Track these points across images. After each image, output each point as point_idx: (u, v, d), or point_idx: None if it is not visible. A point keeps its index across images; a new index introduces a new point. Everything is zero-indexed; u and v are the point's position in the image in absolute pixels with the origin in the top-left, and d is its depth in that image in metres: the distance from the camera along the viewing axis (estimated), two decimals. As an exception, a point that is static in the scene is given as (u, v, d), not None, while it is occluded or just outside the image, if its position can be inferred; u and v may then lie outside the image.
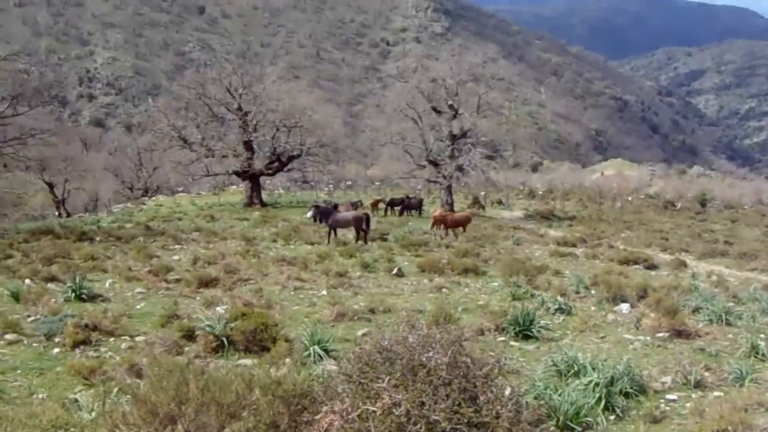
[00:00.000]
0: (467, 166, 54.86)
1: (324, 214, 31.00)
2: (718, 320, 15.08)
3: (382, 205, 55.74)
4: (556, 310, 15.70)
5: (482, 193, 76.68)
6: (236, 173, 59.75)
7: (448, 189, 57.56)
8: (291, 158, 60.74)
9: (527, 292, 17.96)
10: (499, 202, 74.03)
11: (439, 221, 35.96)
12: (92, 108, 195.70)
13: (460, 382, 6.70)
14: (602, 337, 13.58)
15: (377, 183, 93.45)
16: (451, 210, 50.86)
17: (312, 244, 30.59)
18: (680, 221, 58.66)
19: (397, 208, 54.85)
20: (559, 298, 16.64)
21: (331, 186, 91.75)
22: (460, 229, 36.42)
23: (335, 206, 41.93)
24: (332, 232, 31.00)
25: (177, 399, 6.93)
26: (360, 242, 30.34)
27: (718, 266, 29.41)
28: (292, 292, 17.83)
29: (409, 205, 54.11)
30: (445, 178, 55.60)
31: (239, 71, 60.30)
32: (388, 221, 46.50)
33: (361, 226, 31.36)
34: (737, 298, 18.60)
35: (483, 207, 66.81)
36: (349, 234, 32.71)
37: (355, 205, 45.12)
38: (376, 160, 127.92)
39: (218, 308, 14.60)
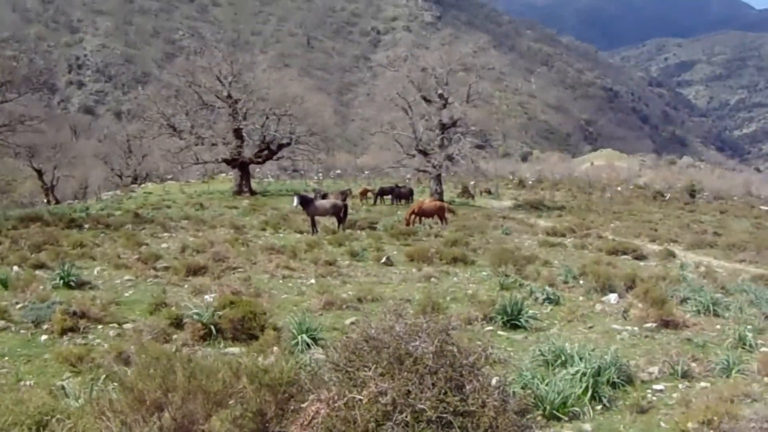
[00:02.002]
0: (457, 155, 54.90)
1: (304, 202, 30.87)
2: (706, 311, 15.13)
3: (371, 195, 55.75)
4: (544, 299, 15.74)
5: (472, 182, 76.70)
6: (226, 161, 59.59)
7: (438, 178, 57.61)
8: (281, 146, 60.64)
9: (516, 281, 17.99)
10: (489, 192, 74.13)
11: (410, 213, 35.71)
12: (82, 95, 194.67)
13: (446, 371, 6.71)
14: (590, 327, 13.62)
15: (367, 172, 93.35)
16: (442, 200, 50.91)
17: (301, 232, 30.60)
18: (669, 212, 58.87)
19: (387, 198, 54.88)
20: (547, 287, 16.68)
21: (321, 175, 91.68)
22: (436, 219, 36.43)
23: (324, 195, 41.95)
24: (312, 220, 30.97)
25: (164, 387, 6.93)
26: (340, 230, 30.45)
27: (706, 257, 29.53)
28: (281, 281, 17.83)
29: (399, 195, 54.22)
30: (434, 167, 55.61)
31: (229, 59, 60.03)
32: (378, 210, 46.53)
33: (340, 214, 31.54)
34: (725, 289, 18.65)
35: (472, 196, 66.90)
36: (328, 222, 32.77)
37: (344, 194, 45.09)
38: (366, 149, 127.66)
39: (206, 296, 14.59)
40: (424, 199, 44.49)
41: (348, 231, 30.48)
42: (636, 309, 14.64)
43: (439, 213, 35.96)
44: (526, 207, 57.55)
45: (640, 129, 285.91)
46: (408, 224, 34.01)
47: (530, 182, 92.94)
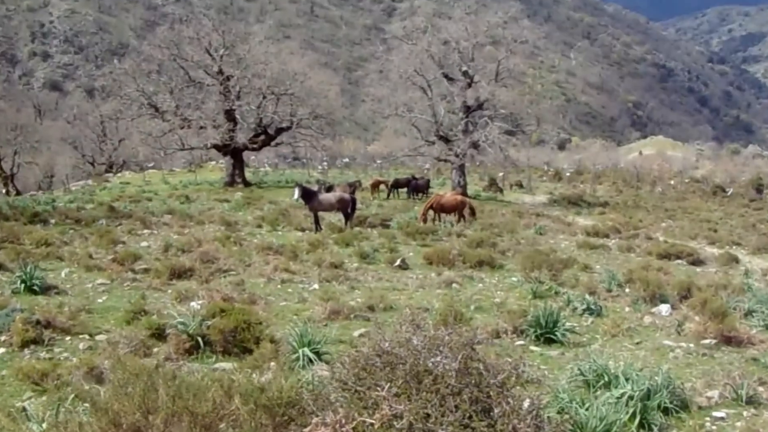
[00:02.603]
0: (483, 142, 54.97)
1: (306, 195, 30.71)
2: (775, 326, 15.08)
3: (384, 187, 55.79)
4: (584, 310, 15.71)
5: (500, 174, 76.70)
6: (216, 147, 59.86)
7: (461, 169, 57.70)
8: (279, 131, 60.83)
9: (551, 289, 17.99)
10: (520, 185, 74.08)
11: (426, 209, 35.64)
12: (47, 68, 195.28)
13: (471, 391, 6.70)
14: (638, 343, 13.57)
15: (379, 161, 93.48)
16: (464, 194, 50.87)
17: (302, 230, 30.70)
18: (731, 210, 58.68)
19: (402, 191, 54.92)
20: (587, 296, 16.65)
21: (326, 164, 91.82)
22: (455, 216, 36.38)
23: (329, 187, 42.03)
24: (315, 216, 30.96)
25: (144, 408, 6.94)
26: (348, 228, 30.48)
27: (775, 263, 29.39)
28: (279, 286, 17.87)
29: (416, 187, 54.25)
30: (457, 156, 55.75)
31: (220, 29, 60.32)
32: (391, 205, 46.58)
33: (347, 209, 31.48)
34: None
35: (501, 190, 66.89)
36: (333, 219, 32.83)
37: (352, 186, 45.22)
38: (378, 135, 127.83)
39: (193, 303, 14.61)
40: (444, 192, 44.49)
41: (357, 229, 30.60)
42: (692, 322, 14.58)
43: (460, 209, 35.98)
44: (563, 203, 57.54)
45: (698, 113, 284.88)
46: (424, 221, 34.07)
47: (568, 174, 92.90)
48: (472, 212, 36.73)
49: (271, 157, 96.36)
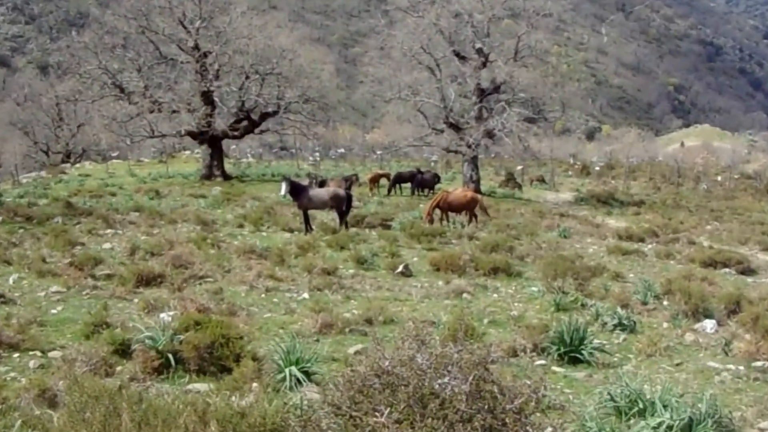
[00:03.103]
0: (499, 131, 54.95)
1: (295, 191, 30.55)
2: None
3: (385, 182, 55.76)
4: (615, 326, 15.72)
5: (519, 167, 76.72)
6: (191, 135, 59.77)
7: (473, 161, 57.72)
8: (264, 116, 60.86)
9: (576, 300, 18.01)
10: (542, 180, 74.05)
11: (432, 207, 35.51)
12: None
13: (484, 417, 6.71)
14: (678, 365, 13.56)
15: (379, 152, 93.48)
16: (477, 191, 50.87)
17: (291, 231, 30.76)
18: (788, 211, 58.54)
19: (406, 186, 54.93)
20: (619, 309, 16.67)
21: (318, 155, 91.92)
22: (465, 215, 36.34)
23: (322, 182, 42.02)
24: (305, 215, 30.90)
25: (104, 435, 6.94)
26: (343, 228, 30.51)
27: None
28: (263, 295, 17.94)
29: (421, 182, 54.29)
30: (469, 146, 55.71)
31: (196, -3, 60.11)
32: (393, 203, 46.61)
33: (342, 207, 31.50)
34: None
35: (519, 186, 66.87)
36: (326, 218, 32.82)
37: (348, 181, 45.26)
38: (378, 122, 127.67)
39: (163, 315, 14.63)
40: (455, 188, 44.43)
41: (353, 230, 30.74)
42: (741, 341, 14.57)
43: (471, 207, 35.93)
44: (591, 201, 57.51)
45: (751, 97, 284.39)
46: (430, 222, 34.08)
47: (597, 168, 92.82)
48: (485, 211, 36.70)
49: (254, 147, 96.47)
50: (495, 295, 19.27)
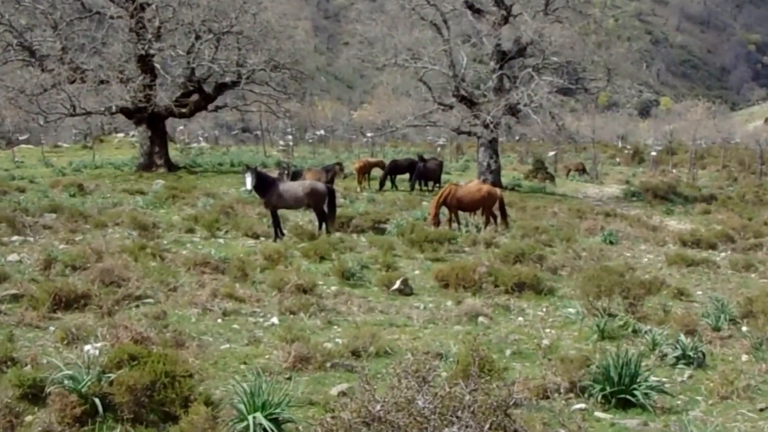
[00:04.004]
0: (526, 105, 54.81)
1: (261, 185, 30.40)
2: None
3: (378, 173, 55.73)
4: (677, 358, 15.66)
5: (551, 153, 76.80)
6: (125, 112, 59.48)
7: (492, 146, 57.68)
8: (221, 88, 60.74)
9: (626, 325, 17.97)
10: (581, 170, 74.16)
11: (437, 205, 35.16)
12: None
13: (506, 478, 6.69)
14: (761, 410, 13.54)
15: (370, 134, 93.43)
16: (497, 183, 50.84)
17: (256, 236, 30.79)
18: None
19: (404, 178, 54.87)
20: (683, 337, 16.58)
21: (291, 138, 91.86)
22: (480, 215, 36.27)
23: (296, 173, 41.98)
24: (275, 216, 30.83)
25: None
26: (324, 232, 30.53)
27: None
28: (220, 320, 17.91)
29: (424, 173, 54.12)
30: (486, 126, 55.53)
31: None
32: (388, 200, 46.62)
33: (322, 206, 31.48)
34: None
35: (552, 177, 66.95)
36: (302, 219, 32.81)
37: (331, 172, 45.09)
38: (367, 95, 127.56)
39: (88, 347, 14.54)
40: (468, 180, 44.33)
41: (336, 235, 30.66)
42: None
43: (488, 205, 35.70)
44: (645, 196, 57.51)
45: None
46: (435, 224, 33.98)
47: (654, 153, 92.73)
48: (502, 213, 36.24)
49: (208, 128, 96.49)
50: (520, 319, 19.28)
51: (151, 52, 57.64)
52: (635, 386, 13.38)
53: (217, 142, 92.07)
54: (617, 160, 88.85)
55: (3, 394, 11.96)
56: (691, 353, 15.76)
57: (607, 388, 13.36)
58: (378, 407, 7.18)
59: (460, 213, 36.16)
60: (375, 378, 11.65)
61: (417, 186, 53.68)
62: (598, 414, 12.90)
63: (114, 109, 59.12)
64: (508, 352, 15.95)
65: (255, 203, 35.93)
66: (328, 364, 14.59)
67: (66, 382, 11.99)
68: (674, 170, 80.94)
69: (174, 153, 64.68)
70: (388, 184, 53.90)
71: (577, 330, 18.15)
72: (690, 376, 15.05)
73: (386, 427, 6.99)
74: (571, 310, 20.06)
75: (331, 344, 15.68)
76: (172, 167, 58.64)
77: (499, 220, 35.73)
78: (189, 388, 12.02)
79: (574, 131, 68.18)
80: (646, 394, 13.36)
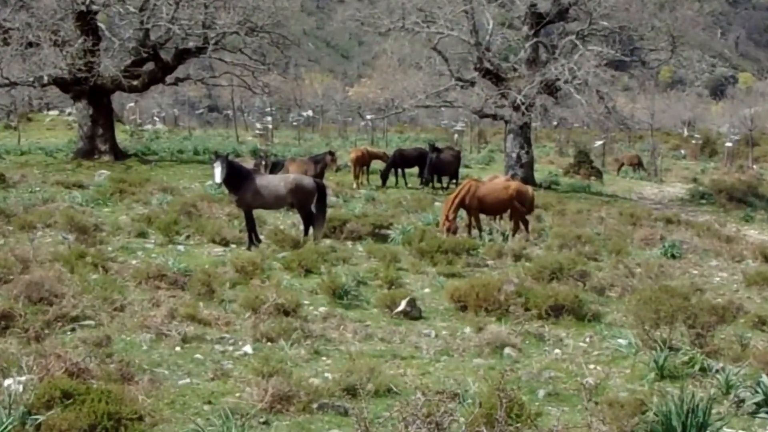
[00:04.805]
0: (567, 82, 54.65)
1: (234, 178, 30.23)
2: None
3: (379, 165, 55.73)
4: (758, 405, 15.62)
5: (598, 143, 76.80)
6: (59, 84, 59.29)
7: (523, 133, 57.60)
8: (182, 55, 60.61)
9: (692, 361, 17.92)
10: (636, 165, 74.15)
11: (453, 206, 34.75)
12: None
13: None
14: None
15: (369, 116, 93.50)
16: (529, 180, 50.80)
17: (225, 243, 30.75)
18: None
19: (412, 172, 54.85)
20: (765, 379, 16.54)
21: (271, 119, 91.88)
22: (506, 220, 36.25)
23: (277, 164, 41.99)
24: (249, 218, 30.77)
25: None
26: (310, 239, 30.56)
27: None
28: (179, 348, 17.87)
29: (437, 166, 53.95)
30: (516, 108, 55.43)
31: None
32: (392, 199, 46.67)
33: (309, 205, 31.49)
34: None
35: (599, 173, 66.95)
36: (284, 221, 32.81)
37: (320, 163, 45.03)
38: (367, 68, 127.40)
39: (9, 381, 14.53)
40: (492, 175, 44.19)
41: (326, 242, 30.78)
42: None
43: (515, 206, 35.56)
44: (718, 198, 57.41)
45: None
46: (450, 230, 33.81)
47: (729, 144, 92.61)
48: (523, 220, 35.97)
49: (166, 106, 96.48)
50: (557, 352, 19.20)
51: (94, 8, 57.40)
52: (703, 440, 13.38)
53: (177, 124, 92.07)
54: (682, 152, 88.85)
55: None
56: (776, 399, 15.74)
57: (668, 441, 13.37)
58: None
59: (482, 216, 36.05)
60: (374, 423, 11.66)
61: (429, 182, 53.56)
62: (657, 475, 12.91)
63: (46, 79, 58.43)
64: (541, 392, 15.92)
65: (225, 201, 35.96)
66: (315, 405, 14.57)
67: (-15, 425, 12.00)
68: (755, 166, 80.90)
69: (122, 136, 64.63)
70: (391, 179, 53.92)
71: (630, 366, 18.10)
72: (773, 429, 15.06)
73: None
74: (621, 341, 20.01)
75: (319, 380, 15.66)
76: (119, 154, 58.48)
77: (524, 226, 35.60)
78: (138, 434, 12.04)
79: (628, 115, 67.93)
80: (717, 451, 13.37)
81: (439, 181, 53.85)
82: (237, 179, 30.41)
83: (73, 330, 18.49)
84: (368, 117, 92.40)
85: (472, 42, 57.67)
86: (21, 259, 24.44)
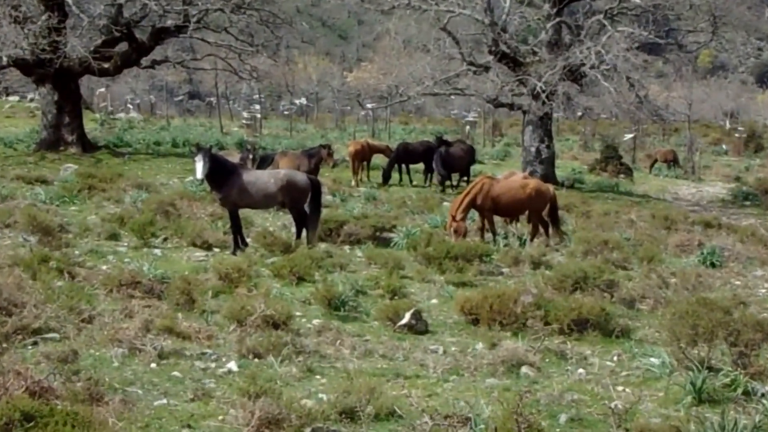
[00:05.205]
0: (593, 68, 54.61)
1: (216, 173, 30.05)
2: None
3: (381, 160, 55.75)
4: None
5: (628, 136, 76.78)
6: (20, 66, 59.29)
7: (544, 125, 57.58)
8: (160, 35, 60.57)
9: (734, 384, 17.86)
10: (671, 161, 74.12)
11: (463, 206, 34.56)
12: None
13: None
14: None
15: (370, 105, 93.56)
16: (549, 177, 50.79)
17: (208, 246, 30.75)
18: None
19: (417, 168, 54.84)
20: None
21: (260, 107, 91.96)
22: (522, 222, 36.23)
23: (266, 158, 42.03)
24: (235, 218, 30.71)
25: None
26: (304, 242, 30.46)
27: None
28: (155, 365, 17.81)
29: (446, 161, 53.84)
30: (536, 96, 55.42)
31: None
32: (395, 197, 46.70)
33: (302, 205, 31.50)
34: None
35: (629, 171, 66.94)
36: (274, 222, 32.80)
37: (314, 157, 45.03)
38: (368, 51, 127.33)
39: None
40: (508, 172, 44.13)
41: (321, 246, 30.82)
42: None
43: (534, 206, 35.38)
44: (763, 200, 57.33)
45: None
46: (459, 232, 33.67)
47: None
48: (554, 216, 35.89)
49: (141, 92, 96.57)
50: (580, 371, 19.13)
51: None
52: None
53: (154, 113, 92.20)
54: (723, 147, 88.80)
55: None
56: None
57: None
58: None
59: (497, 218, 35.98)
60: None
61: (436, 179, 53.56)
62: None
63: (5, 60, 58.36)
64: (563, 417, 15.88)
65: (207, 199, 35.97)
66: (308, 430, 14.55)
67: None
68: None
69: (91, 126, 64.70)
70: (395, 176, 53.96)
71: (663, 389, 18.04)
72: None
73: None
74: (654, 360, 19.92)
75: (312, 401, 15.62)
76: (88, 146, 58.51)
77: (551, 229, 35.53)
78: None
79: (662, 105, 67.82)
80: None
81: (449, 178, 53.65)
82: (221, 175, 30.29)
83: (35, 344, 18.40)
84: (369, 106, 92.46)
85: (486, 22, 57.68)
86: (-24, 264, 24.46)
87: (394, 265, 27.84)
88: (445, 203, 43.29)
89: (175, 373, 17.39)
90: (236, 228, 30.67)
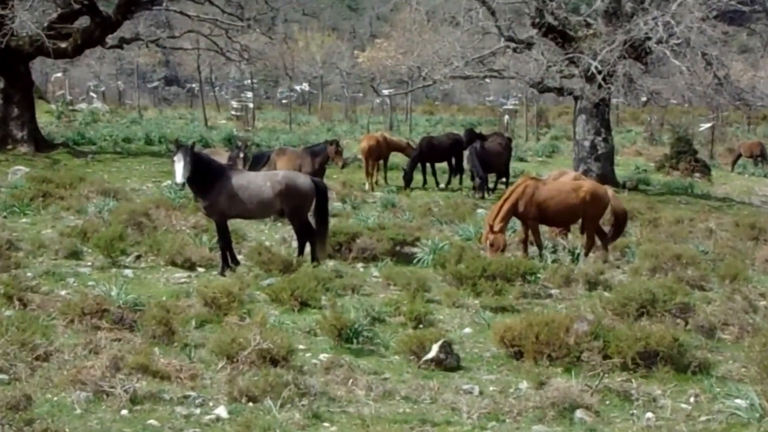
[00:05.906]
0: (660, 43, 54.48)
1: (201, 175, 29.94)
2: None
3: (401, 159, 55.75)
4: None
5: (704, 126, 76.72)
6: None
7: (600, 113, 57.44)
8: (129, 7, 60.60)
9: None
10: (757, 157, 74.01)
11: (502, 214, 34.32)
12: None
13: None
14: None
15: (387, 91, 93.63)
16: (608, 177, 50.73)
17: (190, 265, 30.68)
18: None
19: (442, 167, 54.79)
20: None
21: (252, 95, 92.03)
22: (574, 232, 36.21)
23: (260, 158, 42.12)
24: (223, 231, 30.67)
25: None
26: (307, 259, 30.43)
27: None
28: (126, 411, 17.80)
29: (481, 159, 53.60)
30: (591, 79, 55.33)
31: None
32: (417, 204, 46.66)
33: (304, 213, 31.56)
34: None
35: (705, 168, 66.87)
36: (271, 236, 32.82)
37: (319, 156, 45.02)
38: (383, 25, 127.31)
39: None
40: (557, 171, 44.07)
41: (330, 263, 30.88)
42: None
43: (588, 214, 35.25)
44: None
45: None
46: (493, 245, 33.52)
47: None
48: (618, 226, 35.79)
49: (107, 78, 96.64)
50: (649, 416, 19.00)
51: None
52: None
53: (123, 102, 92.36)
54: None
55: None
56: None
57: None
58: None
59: (543, 228, 35.90)
60: None
61: (470, 181, 53.51)
62: None
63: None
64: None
65: (190, 208, 36.02)
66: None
67: None
68: None
69: (46, 119, 64.79)
70: (417, 177, 53.91)
71: (750, 434, 18.06)
72: None
73: None
74: (740, 401, 19.77)
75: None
76: (42, 144, 58.59)
77: (610, 240, 35.44)
78: None
79: (747, 88, 67.27)
80: None
81: (482, 179, 53.17)
82: (206, 178, 30.16)
83: (-21, 388, 18.50)
84: (385, 92, 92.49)
85: (528, -9, 57.73)
86: None
87: (417, 287, 27.74)
88: (479, 210, 43.22)
89: (152, 421, 17.33)
90: (225, 243, 30.66)
